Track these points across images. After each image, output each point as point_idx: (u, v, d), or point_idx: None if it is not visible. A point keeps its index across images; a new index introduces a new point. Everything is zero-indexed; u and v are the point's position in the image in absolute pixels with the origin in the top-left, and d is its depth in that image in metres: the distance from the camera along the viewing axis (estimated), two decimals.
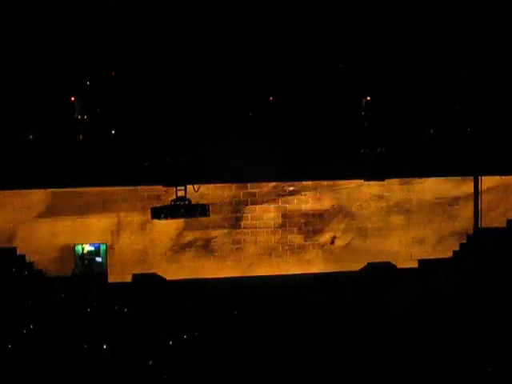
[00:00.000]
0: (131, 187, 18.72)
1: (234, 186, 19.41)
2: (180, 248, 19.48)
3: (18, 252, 18.02)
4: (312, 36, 17.67)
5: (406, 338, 14.40)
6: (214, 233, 19.56)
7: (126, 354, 13.71)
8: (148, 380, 12.97)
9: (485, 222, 19.78)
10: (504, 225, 19.57)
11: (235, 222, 19.66)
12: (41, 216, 18.77)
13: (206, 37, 17.50)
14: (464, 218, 20.18)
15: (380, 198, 20.20)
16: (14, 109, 16.85)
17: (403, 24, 17.85)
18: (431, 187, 20.21)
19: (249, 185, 19.43)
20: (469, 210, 20.09)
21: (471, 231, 19.99)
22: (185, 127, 17.31)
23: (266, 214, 19.67)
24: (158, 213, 17.53)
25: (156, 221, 17.81)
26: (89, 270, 18.44)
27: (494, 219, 19.96)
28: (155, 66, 17.42)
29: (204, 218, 17.85)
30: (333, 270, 19.38)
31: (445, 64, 17.97)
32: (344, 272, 19.20)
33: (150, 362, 13.48)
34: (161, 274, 18.55)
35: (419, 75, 17.95)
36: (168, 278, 18.51)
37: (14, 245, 18.31)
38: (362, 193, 20.10)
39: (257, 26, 17.61)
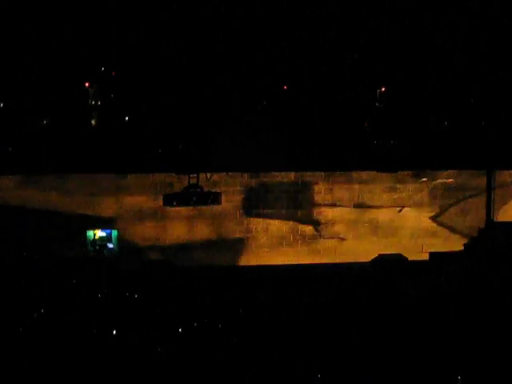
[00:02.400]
0: None
1: None
2: None
3: None
4: (325, 27, 17.64)
5: (416, 329, 14.40)
6: None
7: (134, 340, 13.77)
8: (156, 367, 13.02)
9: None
10: None
11: None
12: None
13: (217, 29, 17.51)
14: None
15: None
16: (29, 95, 16.94)
17: (418, 17, 17.79)
18: None
19: None
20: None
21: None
22: (198, 115, 17.34)
23: None
24: (170, 200, 17.59)
25: None
26: (100, 255, 18.51)
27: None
28: (170, 56, 17.45)
29: None
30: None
31: (459, 57, 17.91)
32: (355, 263, 19.18)
33: (159, 349, 13.54)
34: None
35: (434, 68, 17.89)
36: (179, 265, 18.59)
37: None
38: None
39: (269, 17, 17.61)
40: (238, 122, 17.18)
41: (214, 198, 17.63)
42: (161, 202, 17.97)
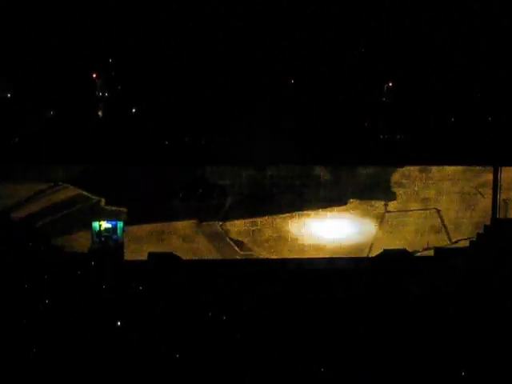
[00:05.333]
0: None
1: None
2: None
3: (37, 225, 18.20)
4: (334, 21, 17.63)
5: (420, 324, 14.41)
6: None
7: (139, 331, 13.82)
8: (160, 357, 13.07)
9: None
10: None
11: None
12: None
13: (221, 26, 17.52)
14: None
15: None
16: (37, 87, 16.99)
17: (425, 12, 17.76)
18: None
19: None
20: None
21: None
22: (205, 109, 17.35)
23: None
24: (176, 192, 17.61)
25: None
26: (105, 247, 18.54)
27: None
28: (177, 48, 17.46)
29: None
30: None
31: (467, 53, 17.87)
32: (359, 258, 19.20)
33: (164, 340, 13.58)
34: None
35: (440, 64, 17.86)
36: (184, 258, 18.63)
37: None
38: None
39: (279, 12, 17.61)
40: (246, 115, 17.19)
41: (220, 191, 17.65)
42: (167, 194, 18.02)
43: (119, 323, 14.19)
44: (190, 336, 13.88)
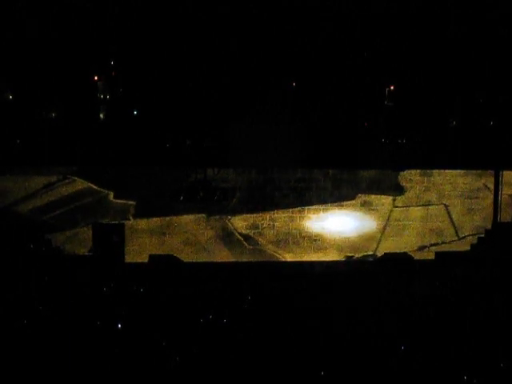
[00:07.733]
0: None
1: None
2: None
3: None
4: (337, 24, 17.67)
5: (421, 328, 14.41)
6: None
7: (140, 335, 13.80)
8: (161, 361, 13.04)
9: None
10: None
11: None
12: None
13: (228, 25, 17.55)
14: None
15: None
16: (38, 88, 17.00)
17: (427, 16, 17.81)
18: None
19: None
20: None
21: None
22: (207, 110, 17.38)
23: None
24: (177, 194, 17.60)
25: None
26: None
27: None
28: (180, 49, 17.49)
29: None
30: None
31: (469, 57, 17.91)
32: (360, 261, 19.22)
33: (164, 343, 13.57)
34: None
35: (443, 67, 17.90)
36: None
37: None
38: None
39: (283, 13, 17.65)
40: (248, 117, 17.23)
41: (222, 195, 17.62)
42: (167, 197, 18.01)
43: (120, 326, 14.18)
44: (191, 339, 13.88)
